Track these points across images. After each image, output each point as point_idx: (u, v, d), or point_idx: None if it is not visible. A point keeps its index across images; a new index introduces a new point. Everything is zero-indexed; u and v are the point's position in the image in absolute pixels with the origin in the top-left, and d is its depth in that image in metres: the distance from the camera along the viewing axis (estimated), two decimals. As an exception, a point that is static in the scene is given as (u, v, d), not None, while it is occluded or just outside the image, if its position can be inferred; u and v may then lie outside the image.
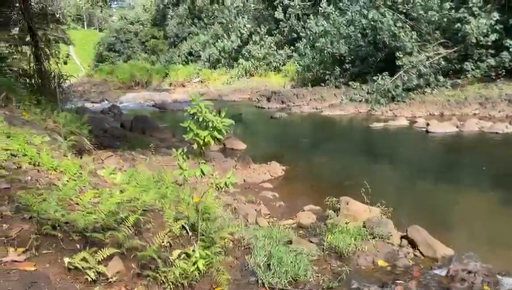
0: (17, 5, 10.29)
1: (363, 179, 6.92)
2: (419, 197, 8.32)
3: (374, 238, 5.49)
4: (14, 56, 10.75)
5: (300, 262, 4.25)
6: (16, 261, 2.84)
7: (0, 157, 4.18)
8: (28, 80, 10.48)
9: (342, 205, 6.74)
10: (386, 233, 5.59)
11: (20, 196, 3.49)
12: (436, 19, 19.49)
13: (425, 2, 19.54)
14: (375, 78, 20.42)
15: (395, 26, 20.01)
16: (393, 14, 20.40)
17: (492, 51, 18.18)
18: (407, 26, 20.14)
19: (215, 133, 4.17)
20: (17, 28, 11.74)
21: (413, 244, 5.43)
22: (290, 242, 5.11)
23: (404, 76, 19.31)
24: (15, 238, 3.04)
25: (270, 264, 4.14)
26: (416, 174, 9.96)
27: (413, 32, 19.94)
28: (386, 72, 20.03)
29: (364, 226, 5.88)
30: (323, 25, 26.25)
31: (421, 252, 5.24)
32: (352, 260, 4.90)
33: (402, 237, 5.66)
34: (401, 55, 19.57)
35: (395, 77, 19.49)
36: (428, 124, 14.86)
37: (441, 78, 19.32)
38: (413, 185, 9.07)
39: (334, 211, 6.69)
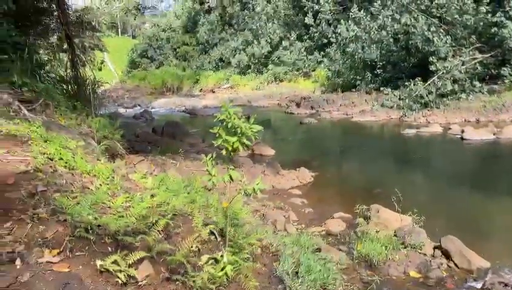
0: (55, 14, 10.68)
1: (394, 187, 6.78)
2: (453, 206, 8.07)
3: (405, 247, 5.37)
4: (52, 63, 11.15)
5: (329, 270, 4.20)
6: (50, 262, 2.93)
7: (38, 161, 4.33)
8: (64, 86, 10.82)
9: (372, 213, 6.62)
10: (418, 243, 5.45)
11: (56, 199, 3.60)
12: (472, 23, 18.92)
13: (460, 6, 19.03)
14: (407, 83, 19.98)
15: (429, 30, 19.56)
16: (427, 18, 19.96)
17: (532, 56, 17.52)
18: (442, 30, 19.64)
19: (244, 140, 4.18)
20: (56, 36, 12.19)
21: (447, 255, 5.27)
22: (319, 250, 5.06)
23: (438, 81, 18.82)
24: (50, 240, 3.14)
25: (298, 271, 4.11)
26: (451, 182, 9.66)
27: (447, 36, 19.43)
28: (419, 78, 19.57)
29: (395, 235, 5.76)
30: (354, 30, 25.97)
31: (455, 264, 5.07)
32: (382, 269, 4.80)
33: (435, 248, 5.51)
34: (435, 60, 19.08)
35: (428, 82, 19.02)
36: (463, 131, 14.41)
37: (477, 83, 18.70)
38: (447, 194, 8.79)
39: (364, 219, 6.58)
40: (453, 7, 19.17)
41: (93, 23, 14.70)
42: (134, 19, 61.39)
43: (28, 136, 5.07)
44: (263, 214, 6.81)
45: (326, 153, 13.64)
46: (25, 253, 2.95)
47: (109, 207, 3.83)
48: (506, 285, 4.25)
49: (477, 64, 18.78)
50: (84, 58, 11.78)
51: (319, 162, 11.67)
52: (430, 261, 5.05)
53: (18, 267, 2.81)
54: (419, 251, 5.34)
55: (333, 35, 29.68)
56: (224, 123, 4.22)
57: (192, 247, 3.62)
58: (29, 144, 4.85)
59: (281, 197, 8.35)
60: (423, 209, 6.52)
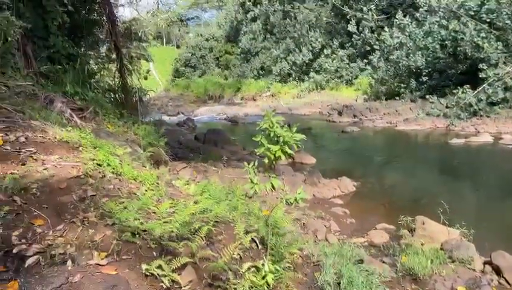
0: (105, 25, 11.17)
1: (440, 199, 6.56)
2: (504, 219, 7.68)
3: (453, 262, 5.16)
4: (102, 73, 11.64)
5: (372, 283, 4.10)
6: (99, 264, 3.05)
7: (88, 167, 4.52)
8: (112, 95, 11.29)
9: (417, 224, 6.42)
10: (466, 257, 5.22)
11: (104, 203, 3.75)
12: (525, 27, 18.08)
13: (511, 11, 18.22)
14: (454, 91, 19.31)
15: (478, 36, 18.83)
16: (476, 24, 19.23)
17: None
18: (492, 36, 18.86)
19: (286, 148, 4.19)
20: (105, 47, 12.74)
21: (497, 271, 5.01)
22: (361, 261, 4.94)
23: (488, 89, 18.05)
24: (99, 243, 3.26)
25: (340, 283, 4.04)
26: (501, 194, 9.20)
27: (498, 42, 18.63)
28: (468, 85, 18.86)
29: (442, 249, 5.55)
30: (398, 37, 25.43)
31: (506, 280, 4.82)
32: (428, 284, 4.63)
33: (485, 263, 5.25)
34: (485, 67, 18.33)
35: (478, 90, 18.27)
36: (515, 141, 13.73)
37: (531, 91, 17.81)
38: (497, 207, 8.38)
39: (409, 231, 6.40)
40: (504, 12, 18.37)
41: (140, 34, 15.24)
42: (179, 30, 63.10)
43: (79, 142, 5.31)
44: (304, 223, 6.75)
45: (368, 162, 13.37)
46: (75, 255, 3.08)
47: (154, 213, 3.93)
48: None
49: (531, 70, 17.87)
50: (131, 68, 12.24)
51: (361, 171, 11.46)
52: (480, 277, 4.81)
53: (69, 268, 2.94)
54: (468, 266, 5.10)
55: (376, 43, 29.21)
56: (267, 132, 4.25)
57: (234, 254, 3.64)
58: (80, 150, 5.08)
59: (322, 207, 8.25)
60: (472, 222, 6.25)
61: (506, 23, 18.53)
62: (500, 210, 8.21)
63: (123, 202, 3.88)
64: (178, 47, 75.08)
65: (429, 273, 4.79)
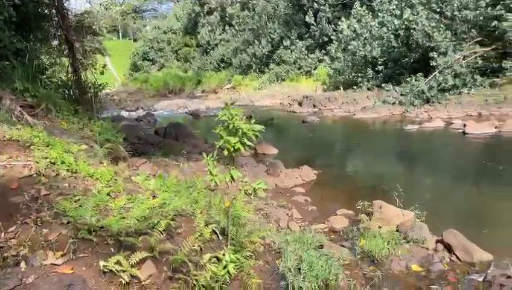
0: (55, 18, 10.76)
1: (396, 183, 6.79)
2: (455, 201, 8.07)
3: (407, 242, 5.38)
4: (54, 68, 11.23)
5: (331, 266, 4.22)
6: (54, 264, 2.99)
7: (41, 166, 4.38)
8: (66, 91, 10.91)
9: (374, 209, 6.64)
10: (420, 237, 5.47)
11: (59, 202, 3.65)
12: (472, 17, 18.89)
13: (460, 1, 19.00)
14: (408, 79, 19.99)
15: (429, 26, 19.54)
16: (428, 13, 19.93)
17: (533, 48, 17.45)
18: (442, 25, 19.62)
19: (245, 140, 4.21)
20: (56, 41, 12.27)
21: (449, 248, 5.27)
22: (321, 246, 5.08)
23: (439, 76, 18.80)
24: (54, 243, 3.19)
25: (300, 268, 4.14)
26: (453, 177, 9.65)
27: (447, 31, 19.41)
28: (420, 73, 19.57)
29: (397, 231, 5.78)
30: (354, 28, 25.95)
31: (457, 257, 5.08)
32: (385, 264, 4.82)
33: (437, 242, 5.51)
34: (436, 56, 19.08)
35: (429, 77, 19.00)
36: (465, 125, 14.36)
37: (478, 77, 18.67)
38: (449, 189, 8.79)
39: (367, 215, 6.60)
40: (453, 2, 19.13)
41: (94, 27, 14.77)
42: (134, 23, 61.58)
43: (31, 141, 5.13)
44: (266, 213, 6.83)
45: (328, 151, 13.65)
46: (29, 256, 3.01)
47: (111, 209, 3.88)
48: (509, 277, 4.25)
49: (478, 58, 18.74)
50: (85, 63, 11.86)
51: (321, 160, 11.69)
52: (433, 255, 5.05)
53: (23, 269, 2.87)
54: (422, 245, 5.34)
55: (334, 33, 29.69)
56: (226, 124, 4.26)
57: (194, 246, 3.66)
58: (31, 149, 4.92)
59: (284, 196, 8.37)
60: (425, 204, 6.53)
61: (455, 14, 19.33)
62: (451, 191, 8.62)
63: (78, 200, 3.80)
64: (135, 40, 73.40)
65: (386, 254, 4.98)
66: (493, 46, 18.71)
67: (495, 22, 18.10)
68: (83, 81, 11.11)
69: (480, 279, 4.39)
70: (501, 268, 4.43)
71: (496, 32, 18.27)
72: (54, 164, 4.62)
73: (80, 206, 3.66)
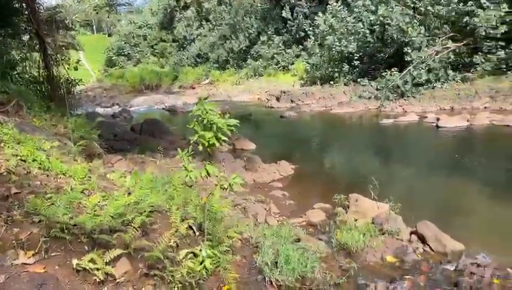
0: (25, 13, 10.45)
1: (372, 176, 6.89)
2: (429, 193, 8.26)
3: (382, 234, 5.48)
4: (25, 63, 10.92)
5: (307, 259, 4.26)
6: (26, 263, 2.92)
7: (11, 163, 4.27)
8: (38, 87, 10.63)
9: (351, 202, 6.73)
10: (395, 229, 5.57)
11: (29, 201, 3.57)
12: (445, 12, 19.30)
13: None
14: (384, 74, 20.29)
15: (403, 21, 19.87)
16: (402, 9, 20.25)
17: (503, 43, 17.91)
18: (415, 21, 19.98)
19: (220, 135, 4.19)
20: (27, 36, 11.94)
21: (422, 239, 5.40)
22: (299, 240, 5.12)
23: (413, 71, 19.15)
24: (25, 242, 3.12)
25: (277, 262, 4.16)
26: (426, 170, 9.87)
27: (421, 27, 19.78)
28: (395, 68, 19.89)
29: (373, 223, 5.87)
30: (331, 23, 26.13)
31: (430, 248, 5.21)
32: (360, 256, 4.90)
33: (411, 233, 5.63)
34: (410, 51, 19.43)
35: (404, 72, 19.33)
36: (438, 119, 14.71)
37: (451, 72, 19.12)
38: (423, 181, 8.99)
39: (343, 209, 6.69)
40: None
41: (66, 22, 14.43)
42: (108, 17, 60.35)
43: (0, 138, 4.99)
44: (244, 208, 6.84)
45: (306, 145, 13.75)
46: (-1, 256, 2.93)
47: (85, 207, 3.81)
48: (479, 265, 4.39)
49: (451, 53, 19.17)
50: (58, 58, 11.57)
51: (299, 154, 11.77)
52: (407, 246, 5.16)
53: (-8, 270, 2.79)
54: (396, 237, 5.45)
55: (310, 29, 29.82)
56: (200, 119, 4.23)
57: (170, 242, 3.63)
58: (1, 146, 4.78)
59: (262, 191, 8.40)
60: (400, 197, 6.65)
61: (428, 9, 19.70)
62: (425, 183, 8.82)
63: (50, 198, 3.72)
64: (110, 35, 72.00)
65: (361, 246, 5.06)
66: (465, 42, 19.16)
67: (466, 18, 18.53)
68: (56, 77, 10.84)
69: (452, 268, 4.51)
70: (471, 257, 4.56)
71: (467, 28, 18.71)
72: (24, 161, 4.51)
73: (52, 204, 3.58)
